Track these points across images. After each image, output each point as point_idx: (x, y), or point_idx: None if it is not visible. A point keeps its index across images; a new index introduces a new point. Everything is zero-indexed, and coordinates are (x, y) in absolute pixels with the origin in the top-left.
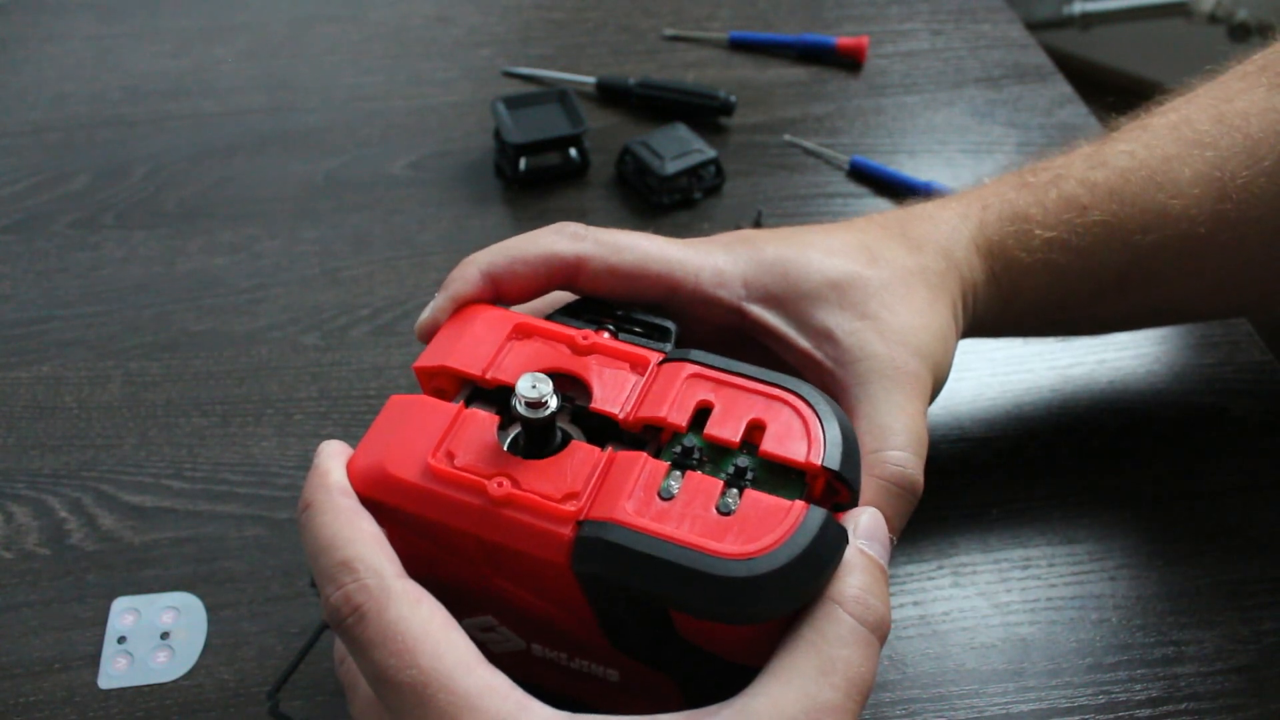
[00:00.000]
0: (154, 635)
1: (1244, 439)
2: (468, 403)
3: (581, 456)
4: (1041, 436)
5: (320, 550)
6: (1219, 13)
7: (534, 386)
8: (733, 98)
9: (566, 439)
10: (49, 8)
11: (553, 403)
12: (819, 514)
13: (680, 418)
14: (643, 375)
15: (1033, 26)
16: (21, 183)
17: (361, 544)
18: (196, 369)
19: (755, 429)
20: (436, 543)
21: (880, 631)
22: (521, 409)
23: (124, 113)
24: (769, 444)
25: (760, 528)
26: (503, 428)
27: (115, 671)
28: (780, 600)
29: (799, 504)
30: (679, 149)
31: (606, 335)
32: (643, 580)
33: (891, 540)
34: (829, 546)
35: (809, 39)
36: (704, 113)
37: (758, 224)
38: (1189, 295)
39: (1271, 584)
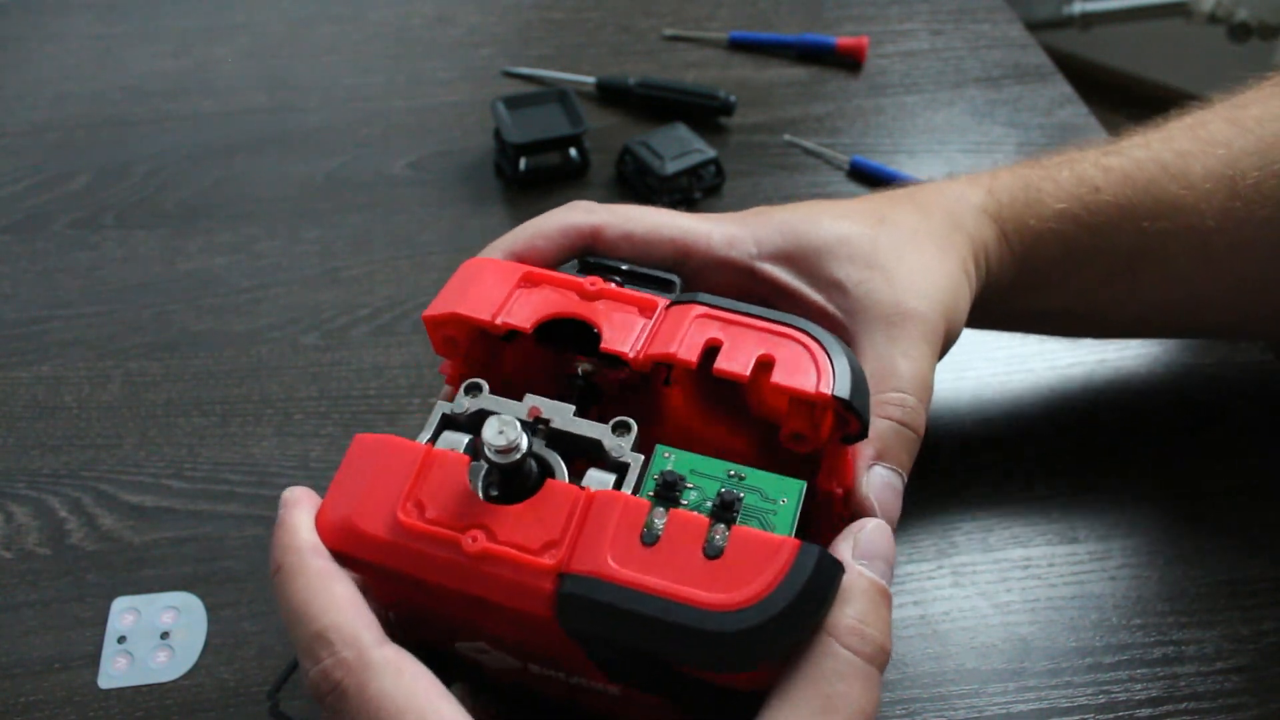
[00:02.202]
0: (154, 635)
1: (1244, 439)
2: (437, 433)
3: (558, 499)
4: (1041, 436)
5: (294, 620)
6: (1219, 13)
7: (501, 432)
8: (733, 98)
9: (543, 476)
10: (49, 8)
11: (523, 444)
12: (811, 553)
13: (690, 354)
14: (651, 318)
15: (1033, 26)
16: (21, 183)
17: (336, 612)
18: (196, 369)
19: (764, 365)
20: (417, 590)
21: (879, 660)
22: (491, 455)
23: (124, 113)
24: (778, 376)
25: (750, 570)
26: (475, 458)
27: (115, 671)
28: (775, 648)
29: (789, 542)
30: (679, 149)
31: (614, 285)
32: (631, 637)
33: (902, 477)
34: (823, 586)
35: (809, 39)
36: (704, 113)
37: None
38: (1200, 294)
39: (1271, 584)
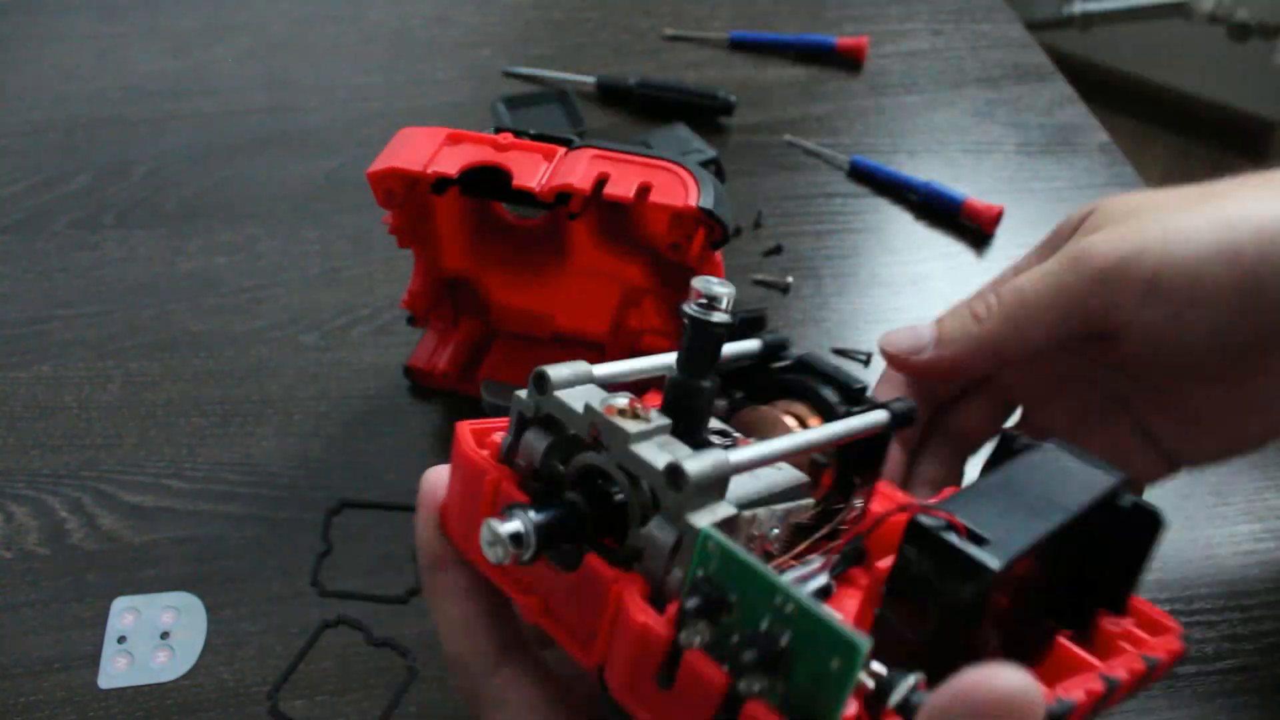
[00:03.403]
0: (154, 635)
1: None
2: (518, 435)
3: (597, 585)
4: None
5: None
6: (1219, 13)
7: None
8: (733, 98)
9: (604, 498)
10: (49, 8)
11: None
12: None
13: (584, 184)
14: (552, 161)
15: (1033, 26)
16: (21, 183)
17: (450, 641)
18: (196, 369)
19: (644, 189)
20: None
21: None
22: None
23: (124, 113)
24: (655, 196)
25: None
26: (546, 461)
27: (115, 671)
28: None
29: None
30: (679, 149)
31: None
32: None
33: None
34: None
35: (809, 39)
36: (704, 113)
37: (758, 224)
38: None
39: (1272, 584)
